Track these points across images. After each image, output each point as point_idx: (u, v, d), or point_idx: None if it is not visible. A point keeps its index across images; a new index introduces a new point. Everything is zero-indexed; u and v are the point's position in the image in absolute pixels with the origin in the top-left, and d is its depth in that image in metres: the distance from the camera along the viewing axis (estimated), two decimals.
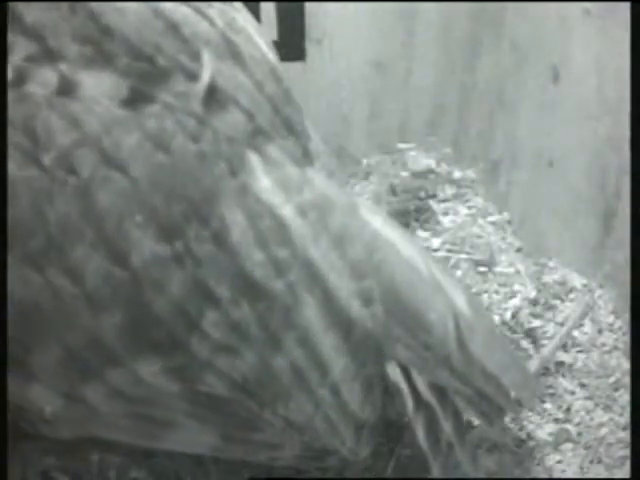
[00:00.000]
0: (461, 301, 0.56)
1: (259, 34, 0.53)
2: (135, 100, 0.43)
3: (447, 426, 0.54)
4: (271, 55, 0.53)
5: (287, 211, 0.48)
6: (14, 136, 0.40)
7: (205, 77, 0.45)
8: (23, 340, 0.44)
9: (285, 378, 0.49)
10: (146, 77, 0.43)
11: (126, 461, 0.62)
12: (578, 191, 0.82)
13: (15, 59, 0.41)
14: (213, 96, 0.45)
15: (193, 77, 0.45)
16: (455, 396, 0.56)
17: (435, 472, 0.55)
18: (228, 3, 0.51)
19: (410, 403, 0.53)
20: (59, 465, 0.61)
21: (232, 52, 0.48)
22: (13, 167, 0.40)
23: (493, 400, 0.57)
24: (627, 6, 0.62)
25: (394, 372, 0.53)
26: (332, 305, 0.50)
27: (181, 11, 0.46)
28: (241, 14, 0.52)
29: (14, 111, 0.40)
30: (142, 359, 0.45)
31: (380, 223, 0.54)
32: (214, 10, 0.48)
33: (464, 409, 0.56)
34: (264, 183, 0.47)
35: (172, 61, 0.44)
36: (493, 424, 0.59)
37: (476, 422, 0.64)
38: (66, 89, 0.41)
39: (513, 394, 0.65)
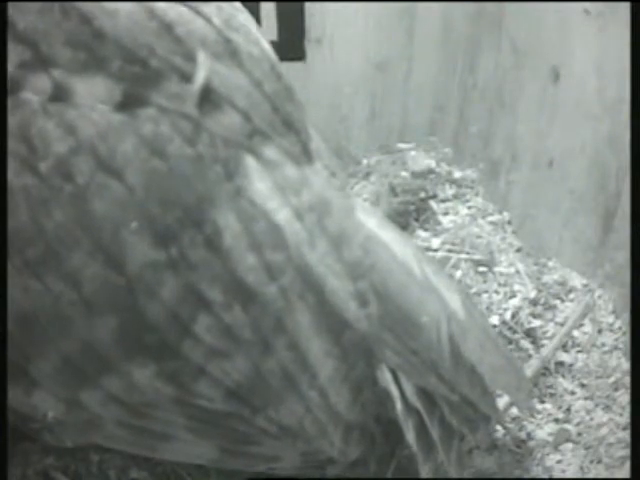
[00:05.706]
0: (455, 303, 0.56)
1: (260, 31, 0.52)
2: (129, 104, 0.42)
3: (434, 432, 0.54)
4: (273, 52, 0.52)
5: (283, 215, 0.47)
6: (10, 143, 0.40)
7: (200, 78, 0.44)
8: (24, 347, 0.44)
9: (275, 381, 0.49)
10: (140, 80, 0.42)
11: (126, 461, 0.62)
12: (578, 191, 0.82)
13: (9, 66, 0.40)
14: (208, 97, 0.44)
15: (187, 78, 0.44)
16: (442, 402, 0.55)
17: (423, 474, 0.54)
18: (228, 3, 0.50)
19: (400, 406, 0.53)
20: (59, 465, 0.61)
21: (229, 51, 0.47)
22: (10, 175, 0.40)
23: (478, 407, 0.56)
24: (627, 6, 0.62)
25: (383, 375, 0.53)
26: (327, 308, 0.49)
27: (176, 10, 0.44)
28: (240, 13, 0.51)
29: (9, 119, 0.40)
30: (136, 363, 0.45)
31: (375, 225, 0.54)
32: (211, 8, 0.47)
33: (449, 415, 0.55)
34: (260, 186, 0.46)
35: (166, 62, 0.43)
36: (477, 432, 0.58)
37: None
38: (60, 95, 0.41)
39: (507, 396, 0.65)
